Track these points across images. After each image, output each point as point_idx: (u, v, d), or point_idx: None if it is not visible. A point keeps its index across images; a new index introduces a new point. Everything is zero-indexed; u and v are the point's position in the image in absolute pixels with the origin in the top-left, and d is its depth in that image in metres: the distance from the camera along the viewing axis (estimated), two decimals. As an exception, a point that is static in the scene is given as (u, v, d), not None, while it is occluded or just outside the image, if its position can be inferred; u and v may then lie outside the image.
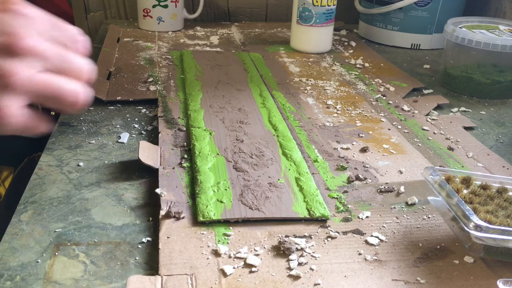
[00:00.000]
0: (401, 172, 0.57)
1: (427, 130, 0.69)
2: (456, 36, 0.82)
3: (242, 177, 0.53)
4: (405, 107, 0.75)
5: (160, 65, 0.89)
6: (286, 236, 0.45)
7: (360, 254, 0.44)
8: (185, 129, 0.65)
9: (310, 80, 0.85)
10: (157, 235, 0.45)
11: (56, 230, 0.45)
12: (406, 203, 0.52)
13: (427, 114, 0.74)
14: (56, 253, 0.42)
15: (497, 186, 0.48)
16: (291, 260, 0.42)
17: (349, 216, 0.49)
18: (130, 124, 0.67)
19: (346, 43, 1.09)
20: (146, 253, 0.43)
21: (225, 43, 1.06)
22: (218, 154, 0.58)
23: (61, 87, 0.35)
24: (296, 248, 0.43)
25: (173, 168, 0.55)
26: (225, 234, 0.45)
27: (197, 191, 0.50)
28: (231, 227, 0.46)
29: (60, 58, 0.35)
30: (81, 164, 0.57)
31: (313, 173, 0.56)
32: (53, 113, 1.51)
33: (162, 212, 0.47)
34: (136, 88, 0.78)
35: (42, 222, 0.46)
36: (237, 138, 0.62)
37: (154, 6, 1.08)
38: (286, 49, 1.03)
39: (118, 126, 0.67)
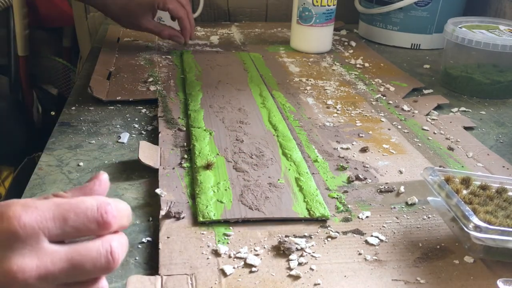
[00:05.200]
0: (401, 172, 0.57)
1: (427, 130, 0.69)
2: (456, 36, 0.82)
3: (242, 177, 0.53)
4: (405, 107, 0.75)
5: (160, 65, 0.89)
6: (286, 236, 0.45)
7: (360, 254, 0.44)
8: (185, 129, 0.65)
9: (310, 80, 0.85)
10: (157, 235, 0.45)
11: (56, 230, 0.45)
12: (406, 203, 0.52)
13: (427, 114, 0.74)
14: (56, 253, 0.42)
15: (497, 187, 0.48)
16: (291, 260, 0.42)
17: (349, 216, 0.49)
18: (130, 124, 0.67)
19: (346, 43, 1.09)
20: (146, 253, 0.43)
21: (225, 43, 1.06)
22: (218, 154, 0.58)
23: None
24: (296, 248, 0.43)
25: (173, 168, 0.55)
26: (225, 234, 0.45)
27: (197, 192, 0.50)
28: (231, 227, 0.46)
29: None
30: (81, 164, 0.57)
31: (313, 173, 0.56)
32: (53, 113, 1.50)
33: (162, 212, 0.47)
34: (136, 88, 0.78)
35: (42, 222, 0.46)
36: (237, 138, 0.62)
37: (154, 6, 1.08)
38: (286, 49, 1.03)
39: (118, 126, 0.67)
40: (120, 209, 0.31)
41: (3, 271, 0.27)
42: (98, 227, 0.29)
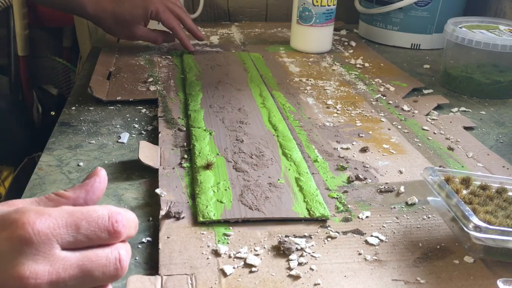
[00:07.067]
0: (401, 172, 0.57)
1: (427, 130, 0.69)
2: (456, 36, 0.82)
3: (242, 177, 0.53)
4: (405, 107, 0.75)
5: (160, 65, 0.89)
6: (286, 236, 0.45)
7: (360, 254, 0.44)
8: (185, 129, 0.65)
9: (310, 80, 0.85)
10: (157, 235, 0.45)
11: (56, 230, 0.45)
12: (406, 203, 0.52)
13: (427, 114, 0.74)
14: (56, 253, 0.42)
15: (497, 187, 0.48)
16: (291, 260, 0.42)
17: (349, 216, 0.49)
18: (130, 124, 0.67)
19: (346, 43, 1.09)
20: (146, 253, 0.43)
21: (225, 43, 1.06)
22: (218, 154, 0.58)
23: None
24: (296, 248, 0.43)
25: (173, 168, 0.55)
26: (225, 234, 0.45)
27: (197, 191, 0.50)
28: (231, 227, 0.46)
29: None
30: (81, 164, 0.57)
31: (313, 173, 0.56)
32: (53, 113, 1.50)
33: (162, 212, 0.47)
34: (136, 88, 0.78)
35: (42, 222, 0.46)
36: (237, 138, 0.62)
37: (154, 6, 1.08)
38: (286, 49, 1.03)
39: (118, 126, 0.67)
40: (128, 219, 0.31)
41: (16, 276, 0.27)
42: (109, 236, 0.30)
